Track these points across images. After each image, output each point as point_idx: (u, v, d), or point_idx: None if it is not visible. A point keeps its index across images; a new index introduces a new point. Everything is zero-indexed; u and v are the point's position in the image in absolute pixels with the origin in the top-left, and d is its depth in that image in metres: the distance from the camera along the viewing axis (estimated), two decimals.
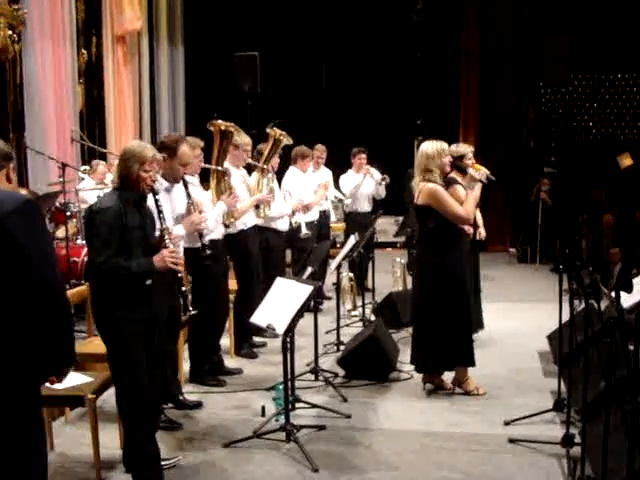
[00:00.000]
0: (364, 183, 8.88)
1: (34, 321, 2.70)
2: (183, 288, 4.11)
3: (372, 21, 13.20)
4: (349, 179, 8.92)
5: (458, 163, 5.54)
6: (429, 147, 5.25)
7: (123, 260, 3.73)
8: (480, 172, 5.51)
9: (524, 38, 12.64)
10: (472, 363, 5.39)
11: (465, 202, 5.25)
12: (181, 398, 5.13)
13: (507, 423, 4.80)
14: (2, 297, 2.66)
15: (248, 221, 6.32)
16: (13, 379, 2.71)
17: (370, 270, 8.06)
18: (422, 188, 5.23)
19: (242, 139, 6.12)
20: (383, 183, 8.82)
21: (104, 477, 4.10)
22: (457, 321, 5.29)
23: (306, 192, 7.84)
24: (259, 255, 6.52)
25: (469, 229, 5.71)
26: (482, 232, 6.85)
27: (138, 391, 3.83)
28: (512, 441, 4.52)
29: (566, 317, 4.46)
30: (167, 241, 3.98)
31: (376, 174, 8.83)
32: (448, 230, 5.25)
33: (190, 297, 4.60)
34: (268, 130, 6.63)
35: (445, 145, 5.31)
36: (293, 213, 7.36)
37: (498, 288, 9.25)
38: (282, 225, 7.04)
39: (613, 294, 3.39)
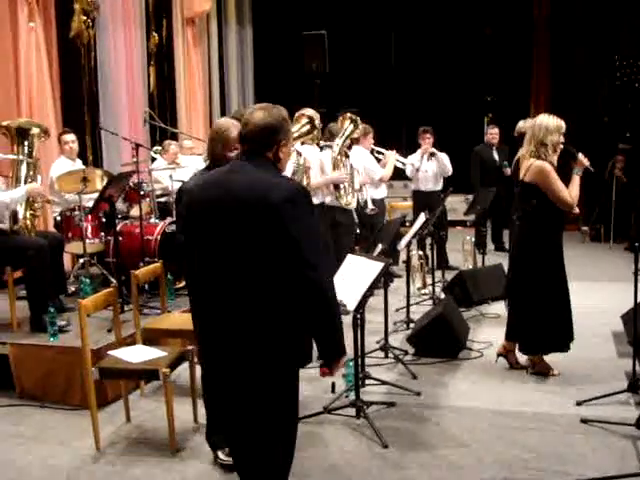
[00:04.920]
0: (427, 162, 8.90)
1: (299, 307, 2.74)
2: None
3: None
4: (415, 158, 8.98)
5: (568, 146, 5.19)
6: (550, 120, 5.02)
7: None
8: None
9: (599, 8, 12.28)
10: (567, 347, 5.27)
11: (571, 187, 5.06)
12: None
13: (579, 403, 4.74)
14: (272, 284, 2.72)
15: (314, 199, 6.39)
16: (277, 359, 2.81)
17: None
18: (531, 164, 5.03)
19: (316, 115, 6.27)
20: (433, 158, 8.82)
21: (179, 447, 4.23)
22: (554, 303, 5.16)
23: (376, 168, 7.90)
24: (327, 232, 6.56)
25: (577, 211, 5.47)
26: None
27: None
28: (584, 421, 4.45)
29: None
30: None
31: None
32: (553, 210, 5.06)
33: None
34: (349, 115, 6.86)
35: (563, 123, 5.05)
36: (360, 189, 7.37)
37: (570, 267, 8.99)
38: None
39: None
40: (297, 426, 3.11)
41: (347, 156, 6.83)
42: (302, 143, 6.15)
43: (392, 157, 8.19)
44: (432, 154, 8.83)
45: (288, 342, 2.80)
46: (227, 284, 2.79)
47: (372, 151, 8.14)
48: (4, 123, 5.79)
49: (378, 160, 8.24)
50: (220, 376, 2.99)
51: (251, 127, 2.84)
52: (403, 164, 8.71)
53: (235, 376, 2.88)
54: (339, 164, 6.62)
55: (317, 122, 6.08)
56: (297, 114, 6.08)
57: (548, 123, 5.02)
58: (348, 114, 6.92)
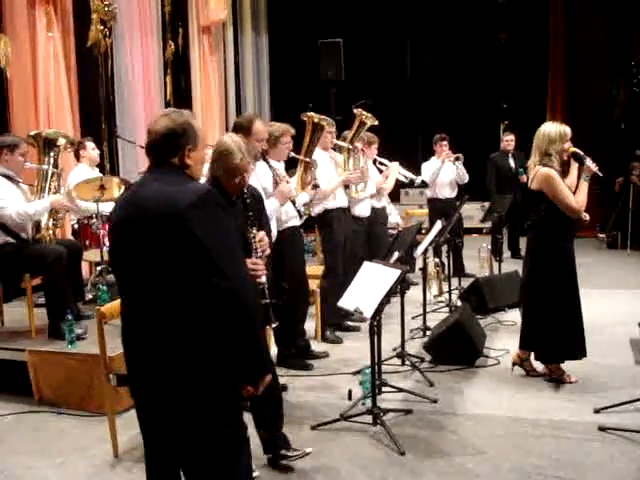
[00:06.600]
0: (444, 169, 8.88)
1: (216, 319, 2.53)
2: (265, 300, 3.63)
3: (457, 4, 13.05)
4: (430, 166, 8.95)
5: (577, 151, 5.12)
6: (552, 129, 5.01)
7: None
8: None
9: (614, 15, 12.24)
10: (583, 354, 5.21)
11: (578, 193, 5.01)
12: None
13: (597, 411, 4.70)
14: (185, 296, 2.53)
15: (330, 204, 6.44)
16: (203, 378, 2.59)
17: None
18: (537, 172, 5.02)
19: (327, 121, 6.26)
20: (457, 163, 8.77)
21: None
22: (566, 311, 5.12)
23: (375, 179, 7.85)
24: (349, 236, 6.59)
25: (586, 216, 5.39)
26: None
27: None
28: (602, 429, 4.42)
29: None
30: (254, 249, 3.68)
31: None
32: (562, 217, 5.02)
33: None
34: (354, 110, 6.75)
35: (568, 129, 5.04)
36: (372, 197, 7.39)
37: (587, 274, 8.99)
38: (359, 210, 7.07)
39: None
40: (242, 447, 2.78)
41: (362, 151, 6.89)
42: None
43: (395, 169, 8.03)
44: (457, 158, 8.80)
45: (213, 359, 2.58)
46: (146, 305, 2.63)
47: (375, 161, 7.98)
48: (32, 133, 5.86)
49: (380, 171, 8.19)
50: (147, 398, 2.75)
51: (153, 136, 2.69)
52: (405, 177, 8.60)
53: (161, 398, 2.67)
54: (349, 164, 6.70)
55: (315, 115, 6.11)
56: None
57: (550, 132, 5.00)
58: (360, 112, 6.88)
